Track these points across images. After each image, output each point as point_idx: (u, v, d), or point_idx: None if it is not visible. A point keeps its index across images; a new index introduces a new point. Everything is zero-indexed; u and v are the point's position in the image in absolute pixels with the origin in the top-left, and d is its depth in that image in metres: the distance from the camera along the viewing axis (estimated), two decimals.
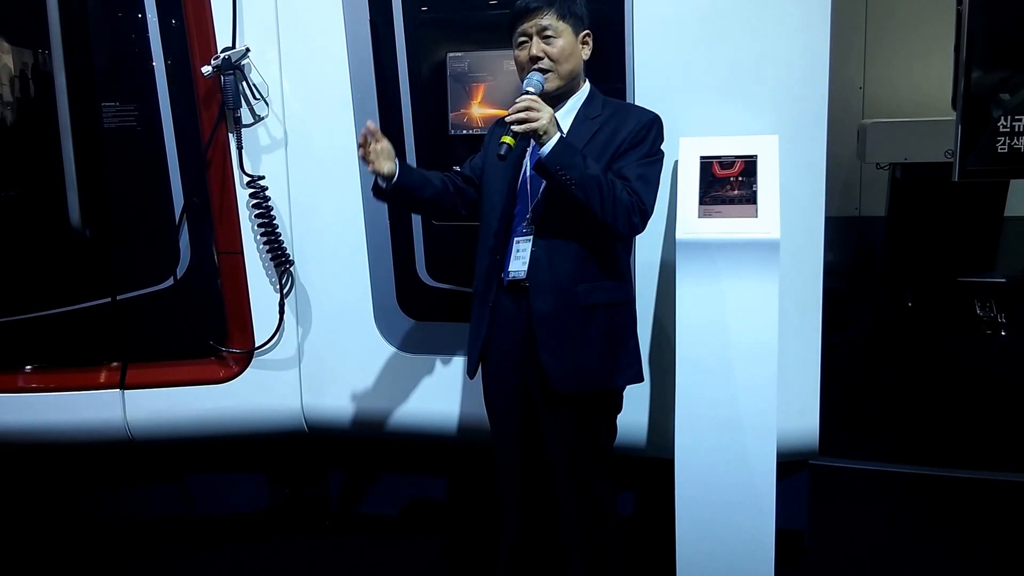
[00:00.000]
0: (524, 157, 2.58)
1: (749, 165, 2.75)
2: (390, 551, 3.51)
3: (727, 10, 2.85)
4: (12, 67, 3.32)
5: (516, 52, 2.54)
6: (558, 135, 2.35)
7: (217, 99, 3.16)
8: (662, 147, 2.56)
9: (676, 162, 2.86)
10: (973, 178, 3.09)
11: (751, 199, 2.71)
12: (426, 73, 3.17)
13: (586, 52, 2.58)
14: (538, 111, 2.32)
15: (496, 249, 2.58)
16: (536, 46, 2.48)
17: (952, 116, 3.07)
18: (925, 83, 6.05)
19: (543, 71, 2.48)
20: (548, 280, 2.49)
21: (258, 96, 3.20)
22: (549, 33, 2.47)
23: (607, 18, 2.94)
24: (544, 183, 2.47)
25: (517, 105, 2.34)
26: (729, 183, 2.75)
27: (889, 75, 6.37)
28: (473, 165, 2.77)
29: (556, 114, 2.49)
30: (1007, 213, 5.65)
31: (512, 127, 2.32)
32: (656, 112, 2.58)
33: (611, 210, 2.36)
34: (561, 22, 2.48)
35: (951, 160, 3.09)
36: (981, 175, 3.10)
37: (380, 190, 2.62)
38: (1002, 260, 5.71)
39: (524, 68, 2.51)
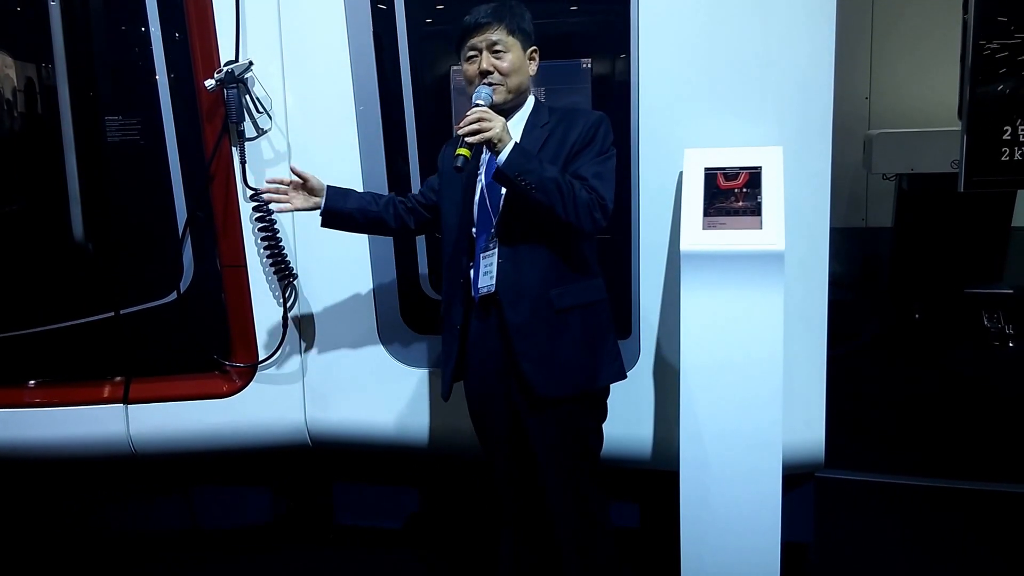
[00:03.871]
0: (477, 174, 2.61)
1: (753, 176, 2.74)
2: (393, 563, 3.50)
3: (731, 21, 2.84)
4: (16, 81, 3.32)
5: (465, 65, 2.58)
6: (513, 142, 2.38)
7: (220, 113, 3.16)
8: (612, 144, 2.57)
9: (680, 173, 2.86)
10: (979, 188, 3.08)
11: (755, 210, 2.70)
12: (430, 86, 3.17)
13: (533, 68, 2.62)
14: (490, 121, 2.36)
15: (461, 269, 2.62)
16: (486, 60, 2.51)
17: (958, 126, 3.07)
18: (931, 93, 6.06)
19: (492, 85, 2.51)
20: (519, 290, 2.50)
21: (261, 109, 3.21)
22: (499, 48, 2.52)
23: (611, 30, 2.94)
24: (503, 196, 2.51)
25: (468, 117, 2.37)
26: (733, 194, 2.74)
27: (895, 85, 6.38)
28: (431, 186, 2.84)
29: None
30: (1014, 223, 5.64)
31: (466, 139, 2.36)
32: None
33: (573, 209, 2.38)
34: (510, 37, 2.53)
35: (957, 170, 3.08)
36: (987, 185, 3.09)
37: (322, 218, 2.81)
38: (1009, 271, 5.71)
39: (472, 82, 2.55)
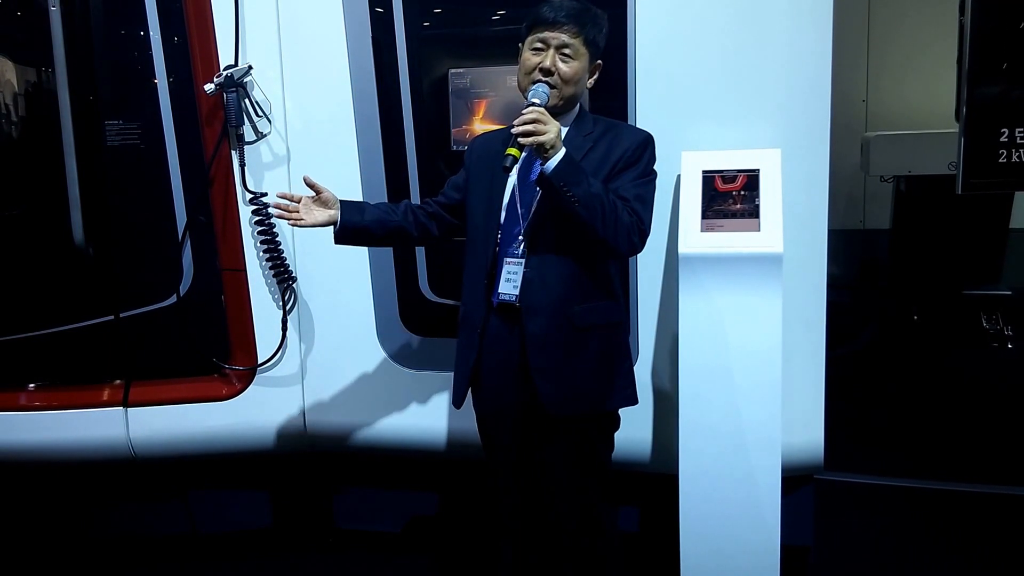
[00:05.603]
0: (511, 175, 2.50)
1: (751, 179, 2.74)
2: (393, 568, 3.50)
3: (728, 23, 2.85)
4: (16, 85, 3.33)
5: (527, 53, 2.47)
6: (564, 150, 2.30)
7: (220, 116, 3.16)
8: (654, 167, 2.53)
9: (678, 176, 2.85)
10: (977, 191, 3.08)
11: (754, 213, 2.70)
12: (428, 89, 3.18)
13: (591, 81, 2.54)
14: (545, 124, 2.27)
15: (485, 271, 2.51)
16: (551, 59, 2.42)
17: (956, 129, 3.07)
18: (928, 95, 6.05)
19: (549, 86, 2.42)
20: (541, 302, 2.44)
21: (260, 113, 3.21)
22: (568, 52, 2.42)
23: (609, 32, 2.94)
24: (536, 202, 2.44)
25: (524, 117, 2.27)
26: (731, 197, 2.74)
27: (892, 87, 6.38)
28: (455, 184, 2.72)
29: None
30: (1012, 225, 5.64)
31: (518, 139, 2.27)
32: (650, 131, 2.55)
33: (613, 229, 2.32)
34: (583, 46, 2.44)
35: (955, 172, 3.08)
36: (985, 187, 3.10)
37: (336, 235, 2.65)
38: (1008, 272, 5.70)
39: (529, 73, 2.44)
